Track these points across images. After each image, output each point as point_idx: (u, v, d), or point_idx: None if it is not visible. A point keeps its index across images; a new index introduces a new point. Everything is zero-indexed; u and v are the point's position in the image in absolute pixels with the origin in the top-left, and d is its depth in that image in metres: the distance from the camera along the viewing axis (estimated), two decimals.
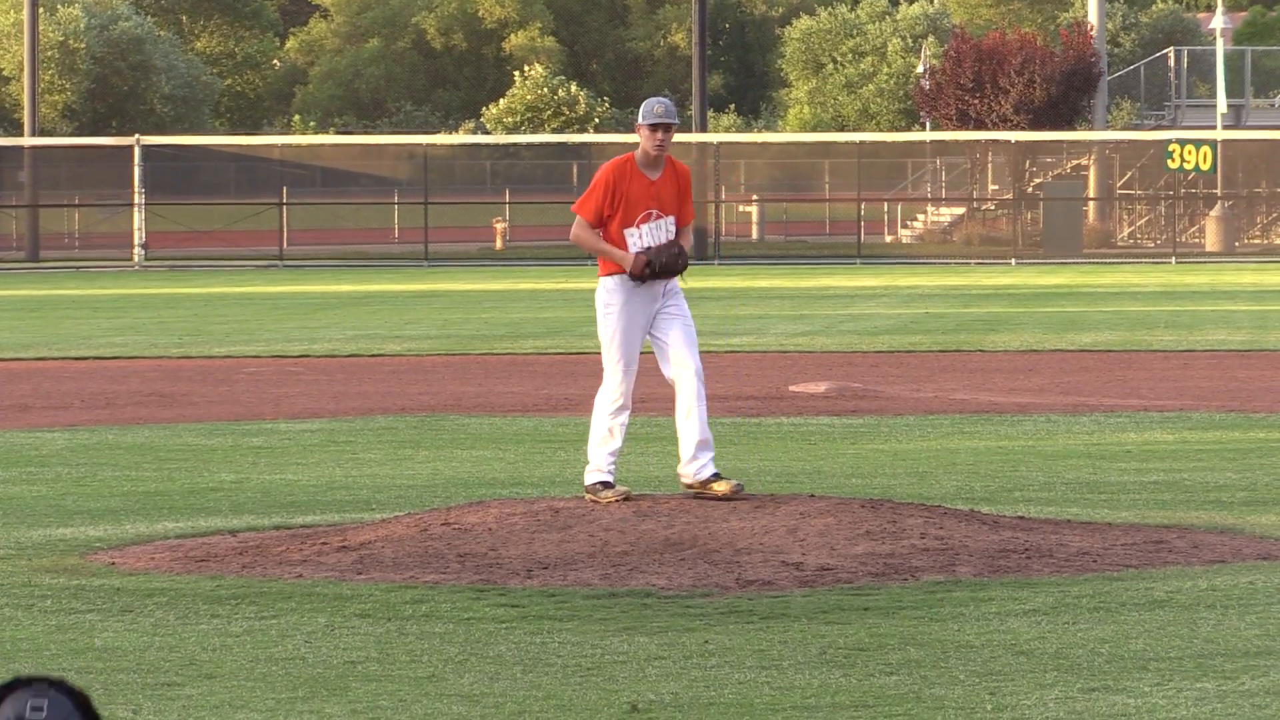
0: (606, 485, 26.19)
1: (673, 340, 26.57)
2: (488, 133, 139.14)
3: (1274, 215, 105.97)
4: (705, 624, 22.12)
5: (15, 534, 25.80)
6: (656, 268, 26.64)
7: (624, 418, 26.37)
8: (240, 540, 26.74)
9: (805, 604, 22.98)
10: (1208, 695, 19.20)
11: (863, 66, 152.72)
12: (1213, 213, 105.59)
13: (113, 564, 25.65)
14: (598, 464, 26.59)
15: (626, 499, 26.08)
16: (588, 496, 26.12)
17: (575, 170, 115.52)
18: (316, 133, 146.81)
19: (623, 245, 26.81)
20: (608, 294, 27.22)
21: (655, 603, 22.94)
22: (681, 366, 26.41)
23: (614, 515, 26.15)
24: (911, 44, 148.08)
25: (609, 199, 26.89)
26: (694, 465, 26.18)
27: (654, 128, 26.81)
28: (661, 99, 27.93)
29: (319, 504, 29.77)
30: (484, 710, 18.81)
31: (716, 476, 26.06)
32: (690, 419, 26.10)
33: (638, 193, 26.86)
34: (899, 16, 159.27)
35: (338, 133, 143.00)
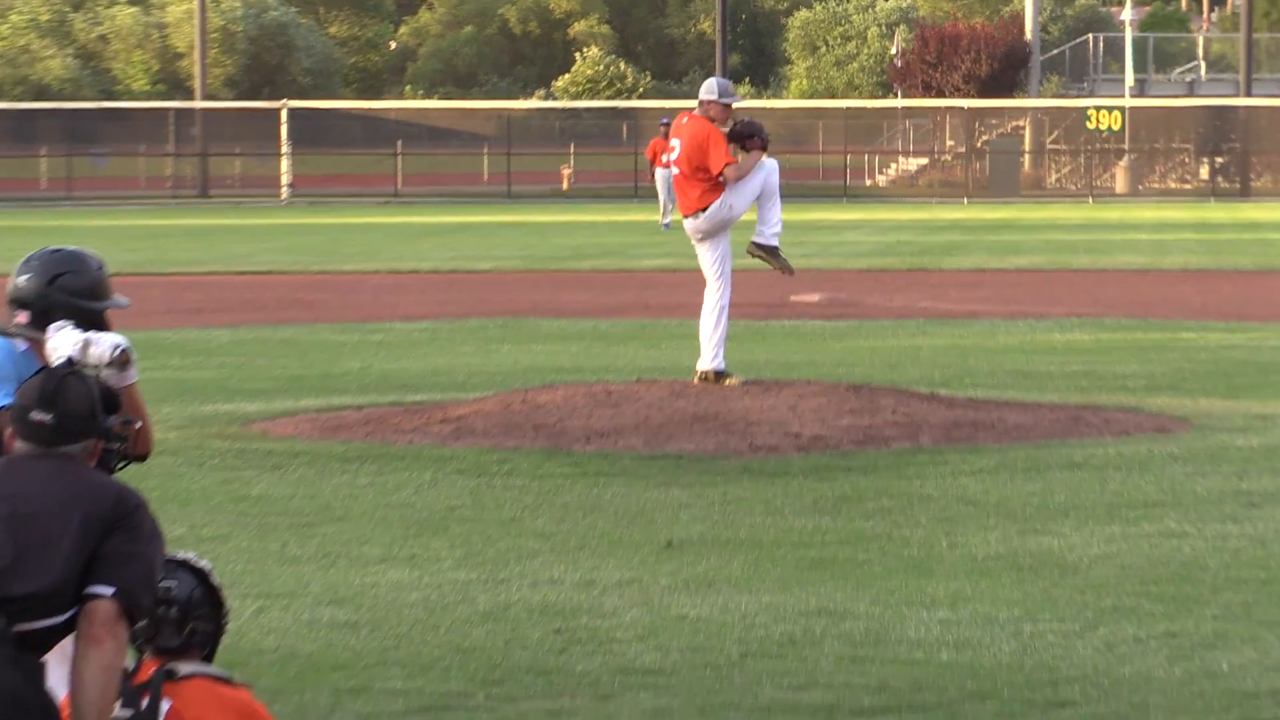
0: (725, 374, 26.22)
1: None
2: (556, 100, 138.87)
3: (1170, 165, 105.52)
4: (724, 480, 22.19)
5: (189, 409, 25.79)
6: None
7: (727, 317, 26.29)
8: (364, 414, 26.78)
9: (802, 464, 23.04)
10: (1115, 536, 19.28)
11: (848, 48, 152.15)
12: (1121, 163, 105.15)
13: (265, 432, 25.72)
14: (718, 356, 26.32)
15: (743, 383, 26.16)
16: (698, 380, 26.07)
17: (625, 129, 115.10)
18: (424, 99, 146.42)
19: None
20: (711, 224, 26.71)
21: (685, 463, 23.02)
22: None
23: (654, 394, 26.17)
24: (886, 31, 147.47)
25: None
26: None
27: (727, 105, 27.00)
28: (728, 82, 28.26)
29: (425, 386, 29.77)
30: (553, 544, 18.89)
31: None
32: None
33: None
34: (878, 9, 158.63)
35: (440, 99, 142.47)
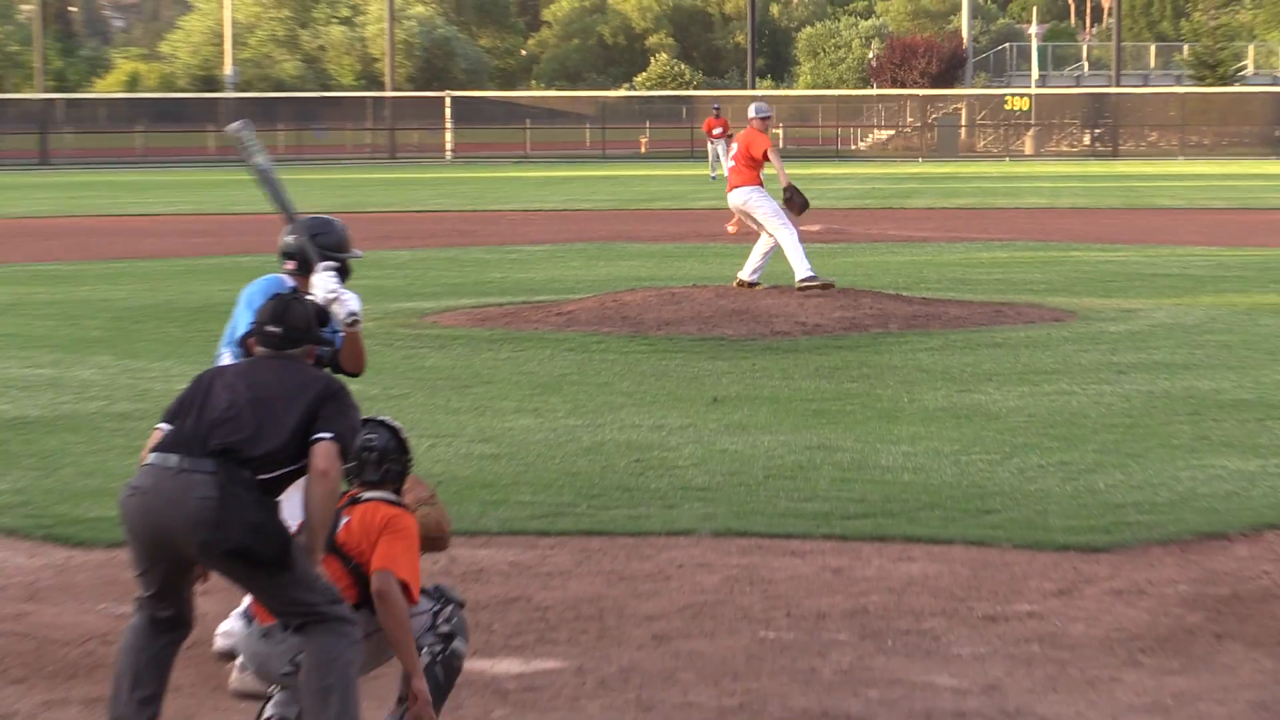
0: (814, 279, 26.05)
1: None
2: (635, 90, 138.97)
3: (1062, 135, 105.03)
4: (753, 355, 22.09)
5: (381, 306, 25.65)
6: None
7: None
8: (504, 309, 26.69)
9: (807, 344, 22.94)
10: (1024, 394, 19.17)
11: (840, 54, 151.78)
12: (1029, 134, 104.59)
13: (434, 322, 25.63)
14: (806, 268, 26.13)
15: (827, 287, 26.10)
16: (800, 288, 26.03)
17: (684, 110, 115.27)
18: (544, 90, 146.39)
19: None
20: (756, 193, 26.57)
21: (726, 343, 22.94)
22: None
23: (704, 296, 26.10)
24: (866, 42, 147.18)
25: None
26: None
27: (764, 119, 26.87)
28: (763, 104, 27.90)
29: (545, 289, 29.65)
30: (634, 400, 18.83)
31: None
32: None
33: None
34: (860, 27, 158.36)
35: (556, 90, 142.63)
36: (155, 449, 8.37)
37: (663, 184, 71.37)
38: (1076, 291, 29.62)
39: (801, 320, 24.74)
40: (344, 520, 8.82)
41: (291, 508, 8.63)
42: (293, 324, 8.76)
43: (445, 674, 8.87)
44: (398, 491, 9.07)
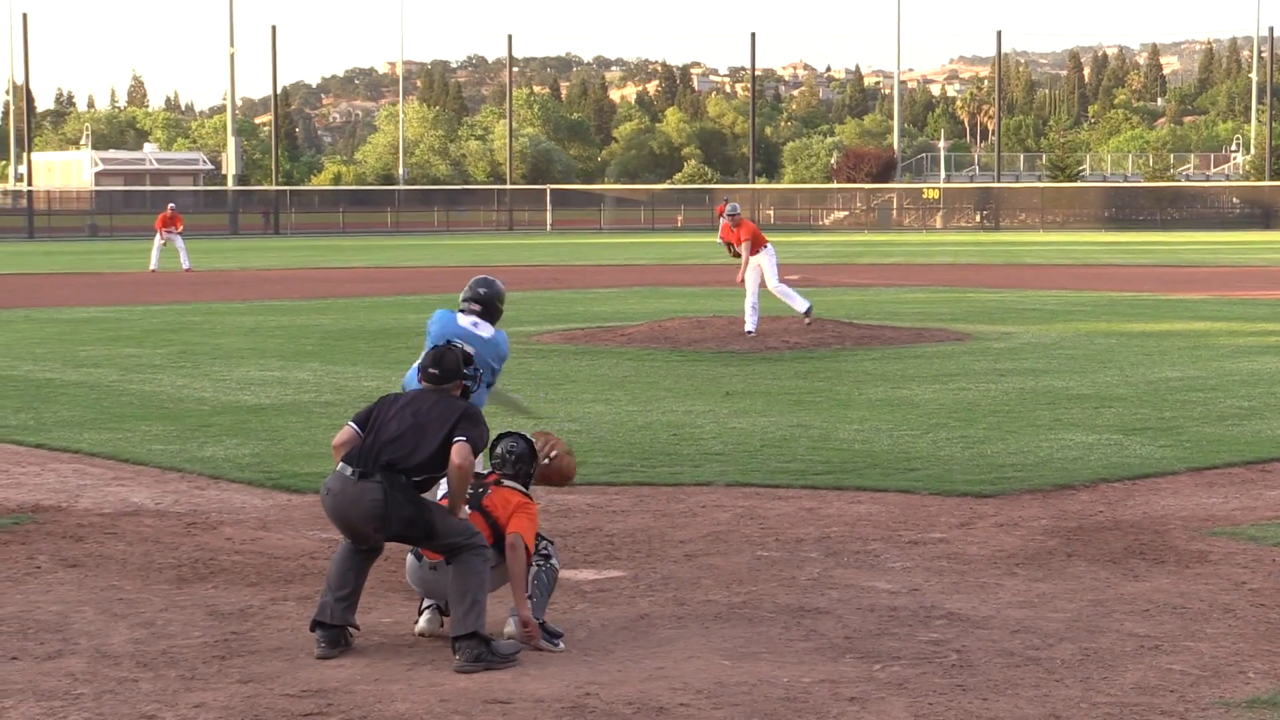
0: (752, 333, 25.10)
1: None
2: (675, 184, 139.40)
3: (961, 215, 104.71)
4: (753, 363, 22.06)
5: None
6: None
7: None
8: (584, 331, 26.64)
9: (790, 356, 22.89)
10: (936, 390, 19.05)
11: (812, 160, 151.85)
12: (939, 214, 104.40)
13: (537, 341, 25.58)
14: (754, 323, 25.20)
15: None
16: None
17: (706, 198, 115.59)
18: (612, 184, 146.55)
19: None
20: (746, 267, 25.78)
21: (736, 355, 22.89)
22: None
23: (720, 324, 25.96)
24: (830, 152, 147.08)
25: None
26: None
27: (732, 216, 26.07)
28: (734, 205, 26.94)
29: (613, 319, 29.63)
30: (673, 393, 18.78)
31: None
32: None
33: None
34: (826, 142, 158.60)
35: (622, 184, 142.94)
36: (343, 460, 8.57)
37: (691, 248, 71.37)
38: (971, 320, 29.50)
39: (786, 340, 24.70)
40: (489, 492, 8.93)
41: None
42: (446, 368, 8.83)
43: (548, 578, 8.88)
44: (526, 485, 9.16)
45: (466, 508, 8.77)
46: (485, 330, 10.55)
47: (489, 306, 10.68)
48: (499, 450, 9.19)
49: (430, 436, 8.53)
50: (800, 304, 26.19)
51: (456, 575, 8.47)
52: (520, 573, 8.70)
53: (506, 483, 9.09)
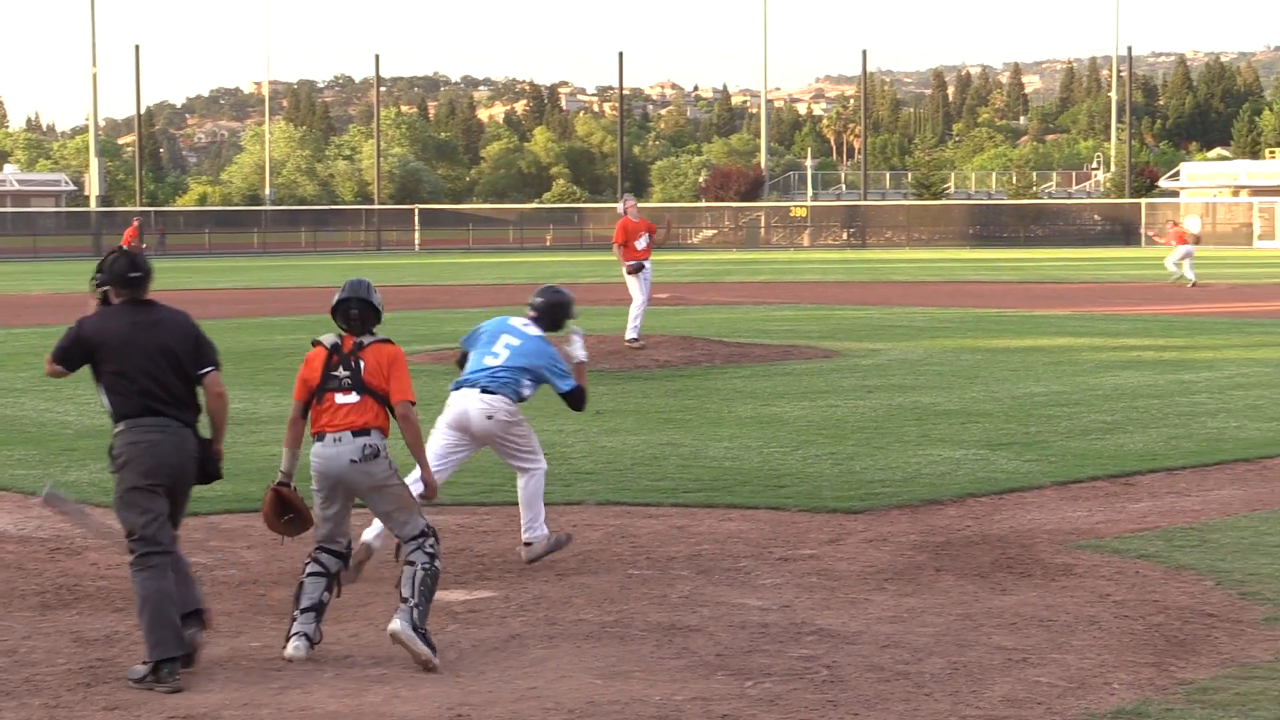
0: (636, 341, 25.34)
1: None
2: (543, 203, 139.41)
3: (829, 232, 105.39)
4: (623, 382, 22.00)
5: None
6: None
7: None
8: (453, 352, 26.48)
9: (660, 375, 22.90)
10: (805, 407, 19.17)
11: (680, 179, 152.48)
12: (806, 232, 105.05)
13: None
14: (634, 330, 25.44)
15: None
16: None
17: (575, 217, 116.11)
18: (481, 204, 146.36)
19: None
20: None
21: (606, 375, 22.81)
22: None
23: (589, 341, 25.97)
24: (698, 170, 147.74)
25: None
26: None
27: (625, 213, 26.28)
28: (629, 198, 27.38)
29: None
30: (544, 413, 18.68)
31: None
32: None
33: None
34: (694, 161, 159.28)
35: (491, 204, 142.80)
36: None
37: (562, 266, 71.37)
38: (839, 338, 29.68)
39: (657, 359, 24.71)
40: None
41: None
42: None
43: (431, 581, 8.78)
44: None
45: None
46: (534, 330, 11.37)
47: (544, 312, 11.50)
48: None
49: None
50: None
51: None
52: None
53: (367, 339, 9.04)
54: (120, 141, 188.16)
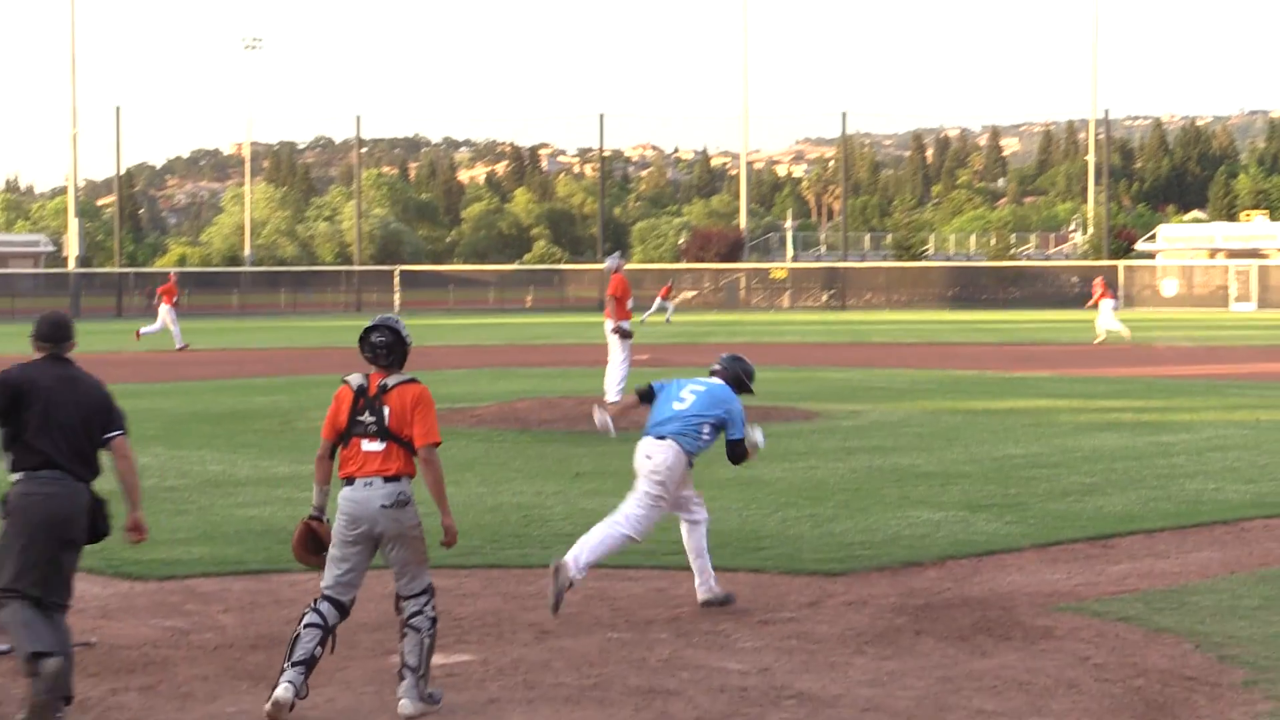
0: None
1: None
2: (524, 264, 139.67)
3: (809, 293, 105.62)
4: (603, 445, 21.93)
5: None
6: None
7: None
8: None
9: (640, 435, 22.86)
10: (785, 468, 19.22)
11: (661, 240, 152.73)
12: (786, 293, 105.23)
13: None
14: (615, 394, 25.14)
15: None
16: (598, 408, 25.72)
17: (555, 279, 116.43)
18: (463, 265, 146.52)
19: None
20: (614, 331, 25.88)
21: (585, 436, 22.81)
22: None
23: (570, 404, 25.86)
24: (678, 232, 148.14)
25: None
26: None
27: (615, 269, 26.43)
28: (614, 256, 27.46)
29: (463, 399, 29.34)
30: (523, 474, 18.64)
31: None
32: None
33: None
34: (674, 222, 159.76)
35: (471, 265, 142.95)
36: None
37: (542, 328, 71.41)
38: (819, 399, 29.71)
39: (636, 420, 24.58)
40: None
41: None
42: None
43: (432, 646, 8.93)
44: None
45: None
46: (717, 381, 11.95)
47: (726, 373, 12.06)
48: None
49: None
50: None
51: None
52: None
53: (392, 380, 9.07)
54: (100, 202, 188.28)
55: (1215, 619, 11.08)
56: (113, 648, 10.53)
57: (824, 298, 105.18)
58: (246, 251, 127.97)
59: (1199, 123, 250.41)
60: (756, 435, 12.03)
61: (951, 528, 14.95)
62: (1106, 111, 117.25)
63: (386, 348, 9.09)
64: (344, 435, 8.89)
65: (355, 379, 9.07)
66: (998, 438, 22.93)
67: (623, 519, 11.57)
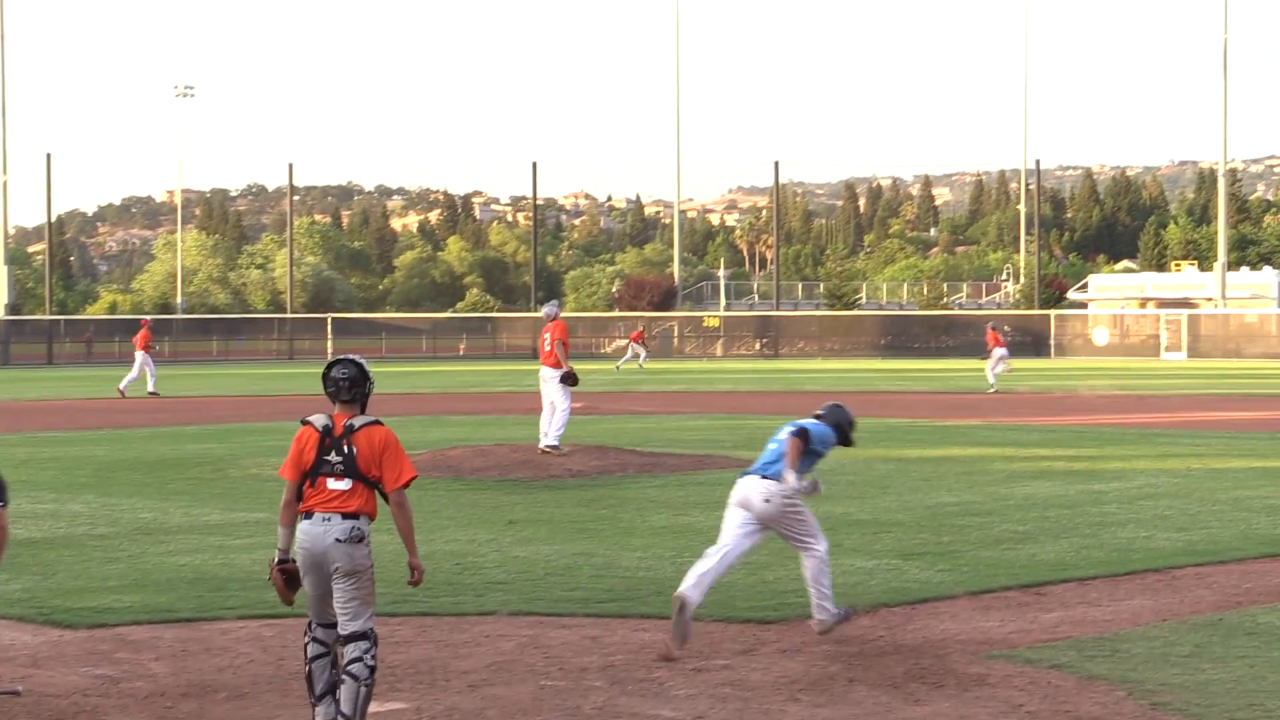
0: (556, 449, 25.48)
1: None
2: (457, 313, 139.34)
3: (742, 343, 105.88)
4: (536, 491, 21.90)
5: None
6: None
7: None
8: None
9: (574, 484, 22.80)
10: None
11: (594, 289, 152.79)
12: (719, 341, 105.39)
13: None
14: (555, 438, 25.51)
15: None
16: (541, 450, 25.66)
17: (489, 327, 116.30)
18: (395, 312, 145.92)
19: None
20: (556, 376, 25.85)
21: (518, 484, 22.75)
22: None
23: (502, 452, 25.82)
24: (611, 280, 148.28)
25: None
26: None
27: (553, 316, 26.33)
28: (552, 303, 27.44)
29: None
30: (456, 522, 18.54)
31: None
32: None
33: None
34: (607, 271, 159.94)
35: (404, 313, 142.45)
36: None
37: (475, 376, 71.26)
38: (753, 447, 29.64)
39: (569, 468, 24.66)
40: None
41: None
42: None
43: (369, 695, 8.89)
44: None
45: None
46: (818, 423, 12.39)
47: (828, 419, 12.44)
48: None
49: None
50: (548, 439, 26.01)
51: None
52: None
53: (358, 421, 9.10)
54: (30, 249, 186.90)
55: (1147, 666, 11.14)
56: (41, 696, 10.43)
57: (757, 346, 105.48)
58: (178, 299, 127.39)
59: (1129, 173, 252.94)
60: (812, 486, 12.15)
61: (885, 575, 14.99)
62: (1038, 161, 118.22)
63: (349, 381, 9.12)
64: (310, 473, 8.93)
65: (319, 419, 9.09)
66: (930, 485, 23.02)
67: (810, 541, 12.15)
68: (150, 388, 50.85)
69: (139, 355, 51.52)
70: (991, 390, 52.60)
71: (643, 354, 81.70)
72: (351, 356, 9.33)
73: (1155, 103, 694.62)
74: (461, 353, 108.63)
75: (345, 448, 8.92)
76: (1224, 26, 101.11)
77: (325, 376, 9.17)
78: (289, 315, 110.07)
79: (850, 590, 14.15)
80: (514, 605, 13.53)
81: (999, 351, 53.99)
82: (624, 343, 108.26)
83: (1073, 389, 54.87)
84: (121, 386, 51.96)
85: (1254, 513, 19.93)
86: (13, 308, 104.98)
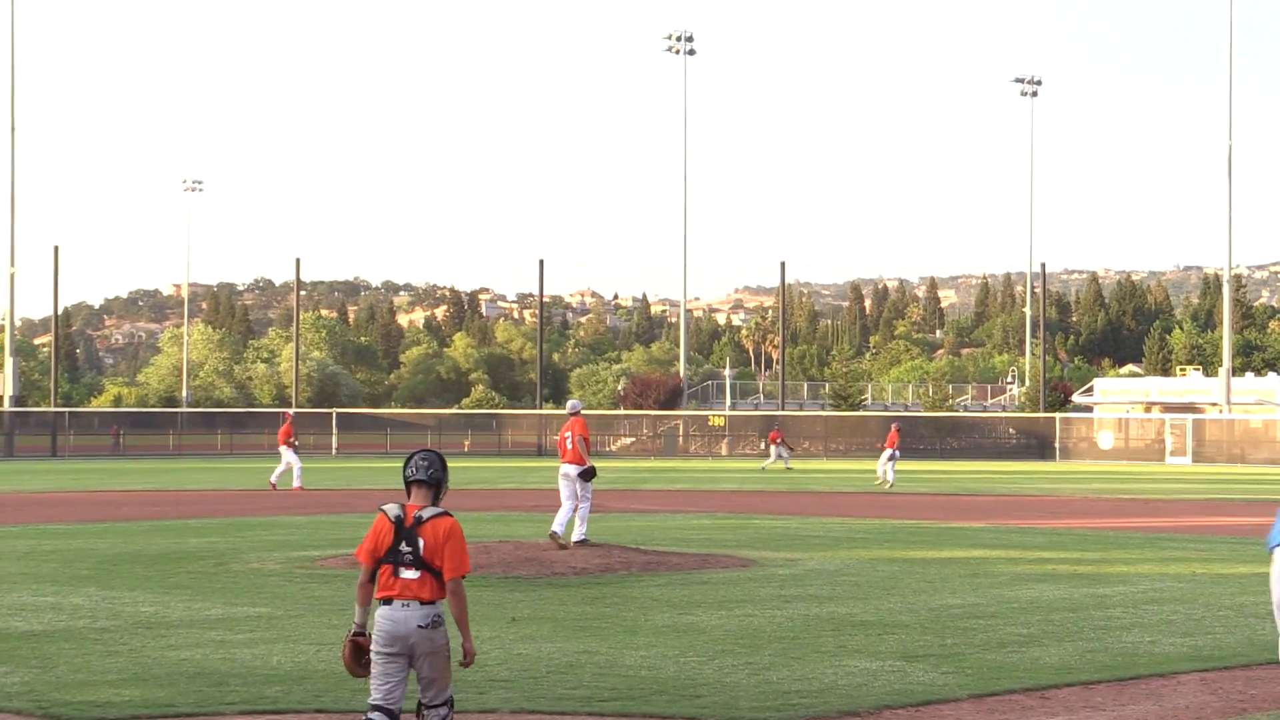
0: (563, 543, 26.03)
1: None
2: (462, 409, 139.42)
3: (746, 442, 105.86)
4: (539, 589, 21.85)
5: (285, 554, 24.96)
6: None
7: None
8: (346, 557, 26.35)
9: (577, 582, 22.74)
10: (722, 616, 19.06)
11: (599, 386, 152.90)
12: (724, 441, 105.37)
13: (321, 565, 25.07)
14: (580, 529, 26.62)
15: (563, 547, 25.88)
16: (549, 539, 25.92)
17: (494, 423, 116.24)
18: (401, 408, 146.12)
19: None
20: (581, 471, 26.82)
21: (522, 580, 22.68)
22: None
23: (507, 548, 25.76)
24: (617, 379, 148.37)
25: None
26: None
27: (575, 413, 27.32)
28: (575, 402, 28.24)
29: None
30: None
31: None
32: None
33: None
34: (613, 369, 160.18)
35: (409, 409, 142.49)
36: None
37: (478, 472, 71.16)
38: (757, 547, 29.69)
39: (572, 565, 24.62)
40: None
41: None
42: None
43: None
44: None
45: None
46: None
47: None
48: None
49: None
50: (578, 531, 26.68)
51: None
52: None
53: (428, 512, 9.86)
54: (36, 341, 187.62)
55: None
56: None
57: (762, 445, 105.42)
58: (184, 392, 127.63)
59: (1134, 277, 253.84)
60: None
61: (888, 677, 14.94)
62: (1043, 265, 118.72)
63: (428, 464, 9.94)
64: (383, 561, 9.72)
65: (392, 509, 9.85)
66: (934, 587, 22.96)
67: None
68: (296, 482, 51.26)
69: (283, 449, 52.21)
70: (888, 487, 56.55)
71: (787, 455, 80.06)
72: (431, 448, 10.14)
73: (1160, 208, 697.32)
74: (466, 449, 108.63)
75: (414, 538, 9.71)
76: (1229, 133, 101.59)
77: (406, 463, 9.97)
78: (294, 410, 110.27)
79: (855, 691, 14.10)
80: (516, 703, 13.49)
81: (889, 451, 58.26)
82: (628, 441, 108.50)
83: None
84: (273, 480, 52.77)
85: (1259, 618, 19.85)
86: (17, 400, 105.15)
